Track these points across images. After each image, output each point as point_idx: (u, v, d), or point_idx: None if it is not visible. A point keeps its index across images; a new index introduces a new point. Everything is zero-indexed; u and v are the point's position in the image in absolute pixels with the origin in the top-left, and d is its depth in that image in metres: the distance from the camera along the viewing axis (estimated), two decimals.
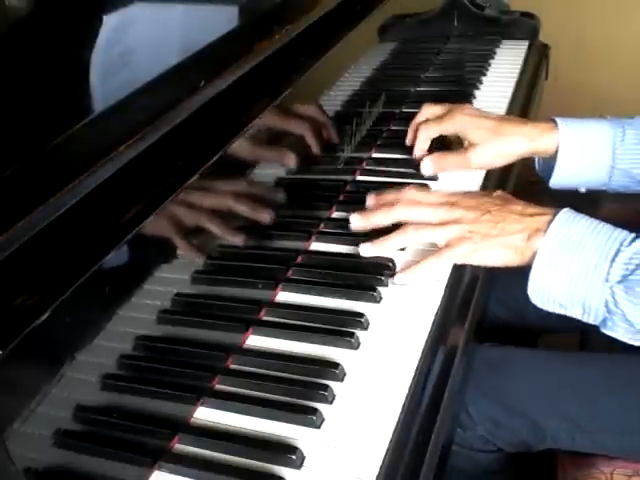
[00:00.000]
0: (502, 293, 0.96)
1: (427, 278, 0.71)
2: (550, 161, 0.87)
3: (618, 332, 0.66)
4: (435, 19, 1.24)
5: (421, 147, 0.90)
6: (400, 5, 1.04)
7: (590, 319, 0.67)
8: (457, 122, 0.87)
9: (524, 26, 1.30)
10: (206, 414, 0.59)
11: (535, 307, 0.87)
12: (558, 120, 0.85)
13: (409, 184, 0.87)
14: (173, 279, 0.57)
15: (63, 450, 0.46)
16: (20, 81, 0.53)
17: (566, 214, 0.69)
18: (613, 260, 0.64)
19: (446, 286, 0.71)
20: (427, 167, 0.87)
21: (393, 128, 1.01)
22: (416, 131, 0.91)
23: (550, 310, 0.68)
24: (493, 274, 0.76)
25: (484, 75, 1.17)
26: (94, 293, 0.47)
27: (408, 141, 0.93)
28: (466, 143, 0.88)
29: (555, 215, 0.68)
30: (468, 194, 0.77)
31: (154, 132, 0.53)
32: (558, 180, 0.86)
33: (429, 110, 0.92)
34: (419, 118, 0.92)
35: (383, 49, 1.02)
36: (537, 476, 0.92)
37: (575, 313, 0.67)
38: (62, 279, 0.44)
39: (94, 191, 0.47)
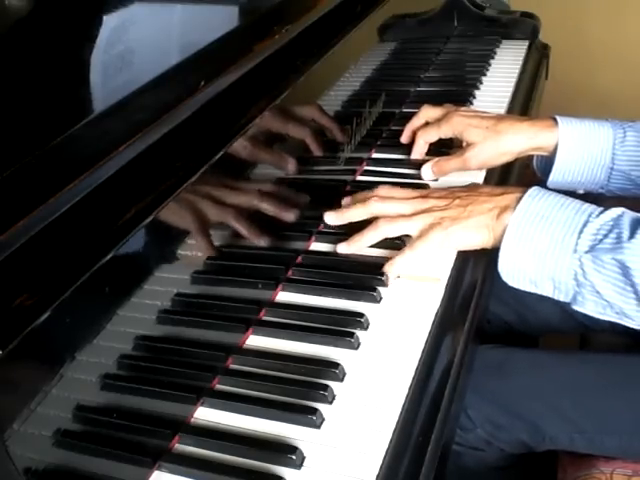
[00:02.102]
0: (503, 293, 0.96)
1: (406, 270, 0.72)
2: (549, 160, 0.87)
3: (588, 307, 0.66)
4: (435, 19, 1.24)
5: (419, 152, 0.90)
6: (400, 5, 1.04)
7: (561, 296, 0.67)
8: (455, 124, 0.87)
9: (524, 26, 1.30)
10: (206, 414, 0.59)
11: (536, 308, 0.88)
12: (558, 118, 0.85)
13: (409, 184, 0.87)
14: (173, 279, 0.57)
15: (63, 450, 0.46)
16: (20, 81, 0.53)
17: (535, 191, 0.70)
18: (581, 232, 0.64)
19: (446, 286, 0.71)
20: (427, 173, 0.87)
21: (393, 128, 1.01)
22: (413, 133, 0.91)
23: (522, 288, 0.69)
24: (494, 274, 0.76)
25: (484, 75, 1.17)
26: (94, 293, 0.47)
27: (404, 139, 0.93)
28: (464, 144, 0.88)
29: (524, 192, 0.69)
30: (440, 187, 0.78)
31: (154, 132, 0.53)
32: (556, 179, 0.86)
33: (427, 113, 0.91)
34: (417, 121, 0.92)
35: (383, 49, 1.02)
36: (538, 476, 0.92)
37: (546, 290, 0.67)
38: (62, 279, 0.44)
39: (94, 191, 0.47)
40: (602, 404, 0.78)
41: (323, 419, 0.57)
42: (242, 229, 0.65)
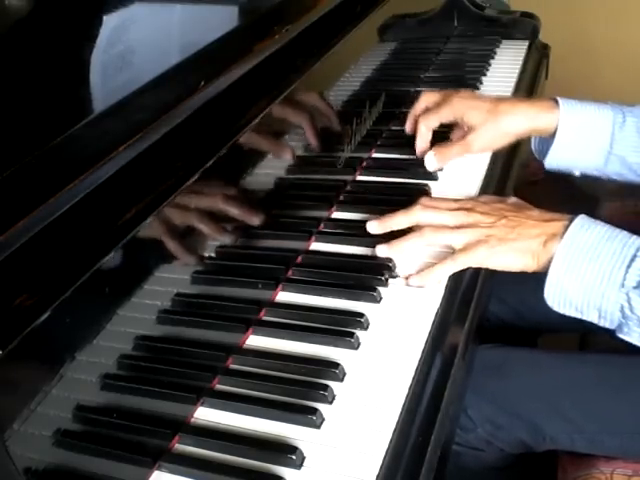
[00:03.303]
0: (503, 292, 0.96)
1: (441, 281, 0.71)
2: (547, 141, 0.86)
3: (634, 337, 0.66)
4: (435, 19, 1.24)
5: (424, 139, 0.89)
6: (400, 5, 1.04)
7: (606, 324, 0.67)
8: (455, 107, 0.86)
9: (524, 26, 1.30)
10: (206, 414, 0.59)
11: (535, 307, 0.87)
12: (560, 99, 0.84)
13: (409, 184, 0.87)
14: (173, 279, 0.57)
15: (63, 450, 0.46)
16: (20, 81, 0.53)
17: (582, 220, 0.68)
18: (629, 266, 0.64)
19: (446, 286, 0.71)
20: (431, 162, 0.87)
21: (393, 128, 1.01)
22: (416, 121, 0.91)
23: (567, 314, 0.68)
24: (494, 274, 0.76)
25: (484, 75, 1.17)
26: (94, 293, 0.47)
27: (408, 129, 0.93)
28: (465, 128, 0.87)
29: (572, 221, 0.68)
30: (483, 199, 0.76)
31: (154, 132, 0.53)
32: (554, 160, 0.86)
33: (427, 98, 0.91)
34: (418, 106, 0.91)
35: (383, 49, 1.02)
36: (538, 476, 0.92)
37: (591, 317, 0.67)
38: (62, 279, 0.44)
39: (94, 191, 0.47)
40: (602, 404, 0.78)
41: (323, 419, 0.57)
42: (242, 229, 0.65)
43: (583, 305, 0.66)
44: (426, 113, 0.89)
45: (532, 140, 0.91)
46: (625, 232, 0.68)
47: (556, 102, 0.84)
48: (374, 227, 0.75)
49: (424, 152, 0.88)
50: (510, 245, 0.69)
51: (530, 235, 0.69)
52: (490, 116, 0.84)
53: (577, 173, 0.88)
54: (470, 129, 0.86)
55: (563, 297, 0.67)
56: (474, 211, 0.73)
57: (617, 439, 0.78)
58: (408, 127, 0.93)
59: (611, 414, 0.78)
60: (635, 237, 0.67)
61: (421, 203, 0.74)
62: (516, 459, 0.88)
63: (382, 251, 0.73)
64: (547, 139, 0.86)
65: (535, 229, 0.69)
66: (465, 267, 0.71)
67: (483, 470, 0.88)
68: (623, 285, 0.64)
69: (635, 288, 0.63)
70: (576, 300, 0.66)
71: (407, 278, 0.71)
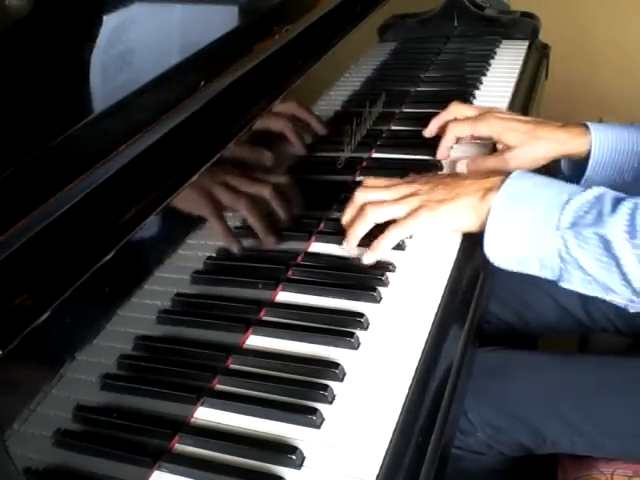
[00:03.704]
0: (503, 293, 0.96)
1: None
2: (576, 163, 0.88)
3: (574, 283, 0.66)
4: (435, 19, 1.24)
5: (446, 145, 0.90)
6: (400, 5, 1.04)
7: (548, 274, 0.67)
8: (492, 126, 0.87)
9: (524, 26, 1.30)
10: (206, 414, 0.59)
11: (535, 307, 0.87)
12: (589, 124, 0.86)
13: None
14: (173, 279, 0.57)
15: (63, 450, 0.46)
16: (20, 81, 0.53)
17: (519, 172, 0.71)
18: (563, 208, 0.65)
19: (446, 286, 0.71)
20: (463, 168, 0.88)
21: (393, 128, 1.01)
22: (443, 127, 0.91)
23: (509, 269, 0.69)
24: (494, 274, 0.76)
25: (484, 75, 1.17)
26: (94, 293, 0.47)
27: (427, 133, 0.93)
28: (500, 146, 0.88)
29: (507, 175, 0.71)
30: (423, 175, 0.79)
31: (154, 132, 0.53)
32: (588, 182, 0.87)
33: (458, 109, 0.92)
34: (446, 115, 0.92)
35: (383, 49, 1.02)
36: (538, 476, 0.92)
37: (532, 269, 0.68)
38: (62, 279, 0.44)
39: (94, 191, 0.47)
40: (602, 406, 0.78)
41: (323, 419, 0.57)
42: (242, 229, 0.65)
43: (522, 255, 0.67)
44: (460, 122, 0.90)
45: (562, 163, 0.92)
46: (560, 181, 0.70)
47: (586, 127, 0.86)
48: (346, 247, 0.75)
49: (444, 157, 0.90)
50: (450, 205, 0.71)
51: (468, 192, 0.71)
52: (528, 139, 0.85)
53: None
54: (507, 149, 0.87)
55: (502, 249, 0.68)
56: (414, 182, 0.75)
57: (617, 442, 0.78)
58: (429, 132, 0.93)
59: (611, 417, 0.78)
60: (569, 184, 0.69)
61: (360, 187, 0.77)
62: (516, 462, 0.88)
63: (342, 246, 0.75)
64: (576, 161, 0.87)
65: (472, 186, 0.72)
66: (411, 232, 0.73)
67: (483, 473, 0.88)
68: (558, 227, 0.65)
69: (569, 228, 0.64)
70: (515, 251, 0.67)
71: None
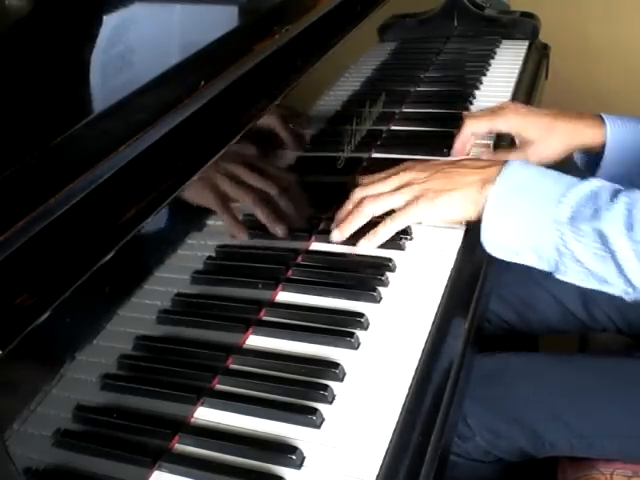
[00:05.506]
0: (504, 292, 0.96)
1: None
2: (591, 156, 0.88)
3: (570, 276, 0.66)
4: (435, 19, 1.24)
5: (462, 141, 0.90)
6: (400, 5, 1.04)
7: (544, 265, 0.68)
8: (511, 121, 0.87)
9: (524, 26, 1.30)
10: (206, 414, 0.59)
11: (536, 307, 0.87)
12: (604, 116, 0.86)
13: None
14: (173, 279, 0.57)
15: (63, 450, 0.46)
16: (20, 81, 0.53)
17: (516, 162, 0.71)
18: (560, 201, 0.65)
19: (446, 286, 0.71)
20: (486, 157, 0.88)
21: (393, 128, 1.01)
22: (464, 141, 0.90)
23: (506, 259, 0.69)
24: (495, 274, 0.76)
25: (484, 75, 1.17)
26: (94, 293, 0.47)
27: (455, 152, 0.91)
28: (518, 141, 0.89)
29: (505, 165, 0.70)
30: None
31: (154, 132, 0.53)
32: (603, 176, 0.87)
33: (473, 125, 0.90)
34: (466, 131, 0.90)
35: (383, 49, 1.02)
36: (538, 476, 0.92)
37: (529, 260, 0.68)
38: (62, 279, 0.44)
39: (94, 191, 0.47)
40: (601, 408, 0.78)
41: (323, 419, 0.57)
42: (241, 228, 0.65)
43: (519, 246, 0.67)
44: (477, 118, 0.89)
45: (575, 156, 0.92)
46: (557, 172, 0.69)
47: (601, 119, 0.86)
48: (336, 235, 0.75)
49: (461, 154, 0.89)
50: (448, 195, 0.71)
51: (466, 183, 0.71)
52: (547, 133, 0.86)
53: None
54: (527, 143, 0.87)
55: (500, 239, 0.68)
56: (409, 170, 0.75)
57: (616, 443, 0.78)
58: (456, 151, 0.91)
59: (610, 418, 0.77)
60: (566, 175, 0.69)
61: (359, 184, 0.77)
62: (514, 470, 0.87)
63: (335, 237, 0.75)
64: (591, 154, 0.88)
65: (471, 176, 0.71)
66: (408, 222, 0.73)
67: None
68: (555, 220, 0.65)
69: (566, 222, 0.64)
70: (512, 242, 0.67)
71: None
